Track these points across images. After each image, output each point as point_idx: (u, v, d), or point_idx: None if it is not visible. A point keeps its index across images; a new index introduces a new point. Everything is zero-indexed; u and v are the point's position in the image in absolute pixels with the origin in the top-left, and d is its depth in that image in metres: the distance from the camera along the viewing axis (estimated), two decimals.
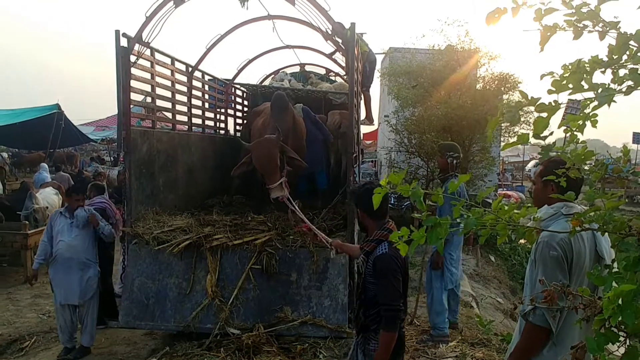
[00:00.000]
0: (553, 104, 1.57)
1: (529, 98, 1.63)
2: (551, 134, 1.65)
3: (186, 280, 5.94)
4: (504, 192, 23.23)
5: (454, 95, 11.96)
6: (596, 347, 1.39)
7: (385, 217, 3.56)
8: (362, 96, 9.60)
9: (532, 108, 1.65)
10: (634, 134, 27.08)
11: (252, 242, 5.99)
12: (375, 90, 11.24)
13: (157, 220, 6.49)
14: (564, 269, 2.55)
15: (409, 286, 8.11)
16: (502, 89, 12.32)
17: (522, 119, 11.62)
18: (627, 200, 22.98)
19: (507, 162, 43.24)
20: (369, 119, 10.33)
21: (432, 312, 6.06)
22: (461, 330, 6.16)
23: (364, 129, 13.81)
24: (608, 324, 1.40)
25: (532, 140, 1.72)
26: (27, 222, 9.42)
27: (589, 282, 2.38)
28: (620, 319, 1.36)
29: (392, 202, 15.96)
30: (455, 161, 6.07)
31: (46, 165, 14.57)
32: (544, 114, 1.59)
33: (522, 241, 12.59)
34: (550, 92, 1.57)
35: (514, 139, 1.86)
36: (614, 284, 1.44)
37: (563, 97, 1.60)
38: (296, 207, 6.01)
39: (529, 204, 2.15)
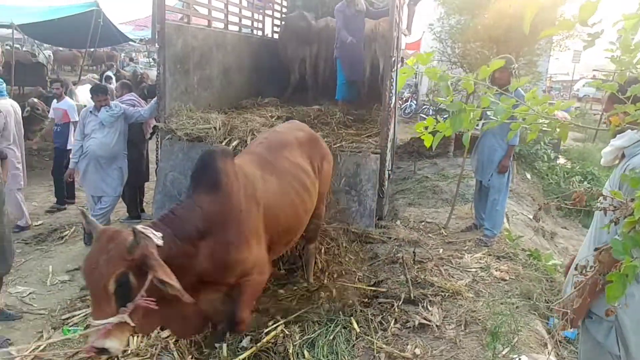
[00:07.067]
0: None
1: None
2: (599, 21, 1.47)
3: None
4: None
5: (506, 2, 11.27)
6: (622, 249, 1.30)
7: None
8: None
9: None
10: None
11: None
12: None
13: (190, 117, 6.48)
14: None
15: (441, 198, 8.02)
16: None
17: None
18: None
19: (554, 79, 41.54)
20: (408, 30, 10.01)
21: (495, 216, 6.20)
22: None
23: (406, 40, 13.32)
24: (638, 227, 1.30)
25: (578, 28, 1.54)
26: None
27: None
28: None
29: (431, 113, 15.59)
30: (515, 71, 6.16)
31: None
32: None
33: (561, 161, 12.27)
34: None
35: (565, 52, 1.69)
36: None
37: None
38: None
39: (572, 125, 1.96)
